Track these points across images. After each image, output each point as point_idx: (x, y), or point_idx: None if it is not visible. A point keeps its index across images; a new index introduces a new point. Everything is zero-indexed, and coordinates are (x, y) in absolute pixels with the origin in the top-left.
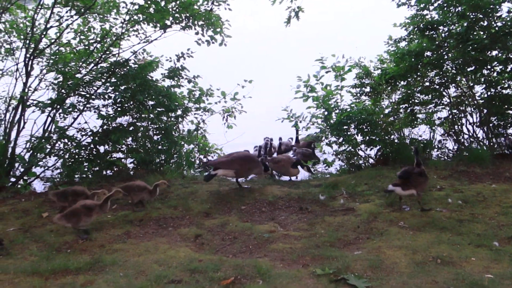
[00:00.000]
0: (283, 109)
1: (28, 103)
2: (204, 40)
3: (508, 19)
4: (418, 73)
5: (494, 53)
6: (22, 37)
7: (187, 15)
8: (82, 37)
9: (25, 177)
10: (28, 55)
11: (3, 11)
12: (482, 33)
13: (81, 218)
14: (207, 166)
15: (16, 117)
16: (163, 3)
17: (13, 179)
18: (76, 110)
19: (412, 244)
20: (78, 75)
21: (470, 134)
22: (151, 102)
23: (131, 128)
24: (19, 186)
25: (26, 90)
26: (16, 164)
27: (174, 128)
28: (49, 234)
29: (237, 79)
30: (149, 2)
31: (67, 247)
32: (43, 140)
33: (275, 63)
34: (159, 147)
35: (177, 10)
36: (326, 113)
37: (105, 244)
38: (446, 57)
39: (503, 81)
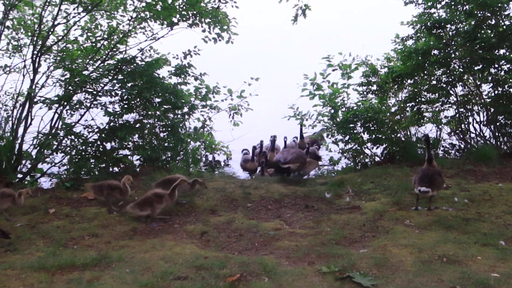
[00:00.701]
0: (290, 107)
1: (35, 100)
2: (211, 38)
3: None
4: (425, 72)
5: (502, 51)
6: (29, 34)
7: (194, 12)
8: (89, 34)
9: (32, 173)
10: (35, 52)
11: (11, 8)
12: (489, 31)
13: (154, 206)
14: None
15: (23, 113)
16: (170, 1)
17: (20, 175)
18: (83, 107)
19: (418, 242)
20: (85, 72)
21: (477, 133)
22: (157, 99)
23: (137, 125)
24: (26, 182)
25: (34, 86)
26: (23, 161)
27: (181, 125)
28: (56, 230)
29: (244, 77)
30: None
31: (73, 243)
32: (50, 137)
33: (281, 60)
34: (166, 144)
35: (184, 7)
36: (332, 111)
37: (111, 240)
38: (453, 55)
39: (511, 80)
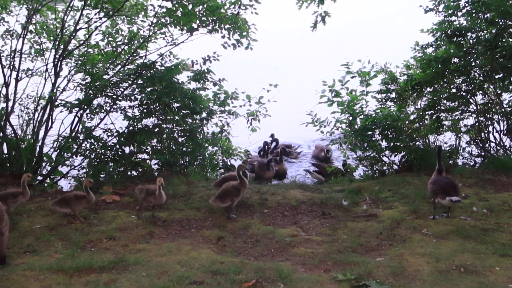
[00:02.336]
0: (308, 114)
1: (56, 103)
2: (230, 44)
3: None
4: (445, 80)
5: None
6: (51, 38)
7: (214, 18)
8: (110, 39)
9: (52, 176)
10: (57, 56)
11: (34, 12)
12: (510, 40)
13: (233, 198)
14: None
15: (44, 116)
16: (190, 7)
17: (40, 178)
18: (103, 110)
19: (435, 252)
20: (106, 77)
21: (497, 142)
22: (176, 104)
23: (156, 130)
24: (45, 184)
25: (55, 90)
26: (43, 163)
27: (199, 130)
28: (74, 232)
29: (262, 82)
30: (176, 5)
31: (91, 246)
32: (70, 140)
33: (299, 66)
34: (184, 149)
35: (204, 13)
36: (350, 118)
37: (128, 244)
38: (473, 64)
39: None
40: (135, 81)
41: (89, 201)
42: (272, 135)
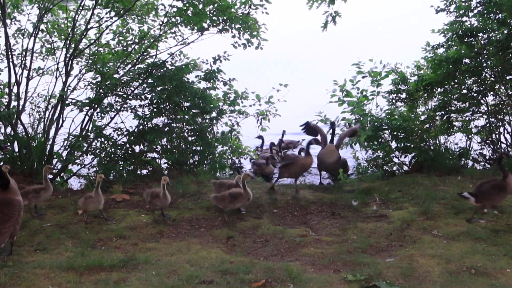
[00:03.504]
0: (317, 114)
1: (67, 102)
2: (240, 43)
3: None
4: (456, 80)
5: None
6: (63, 37)
7: (224, 18)
8: (120, 38)
9: (62, 174)
10: (68, 55)
11: (45, 11)
12: None
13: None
14: None
15: (55, 115)
16: (201, 6)
17: (50, 176)
18: (113, 109)
19: (445, 253)
20: (116, 76)
21: (508, 143)
22: (186, 104)
23: (166, 129)
24: (56, 183)
25: (66, 89)
26: (54, 161)
27: (209, 129)
28: (84, 231)
29: (272, 81)
30: (187, 5)
31: (101, 244)
32: (81, 139)
33: (309, 66)
34: (193, 148)
35: (215, 13)
36: (361, 118)
37: (138, 242)
38: (485, 64)
39: None
40: (145, 80)
41: (95, 200)
42: (283, 132)
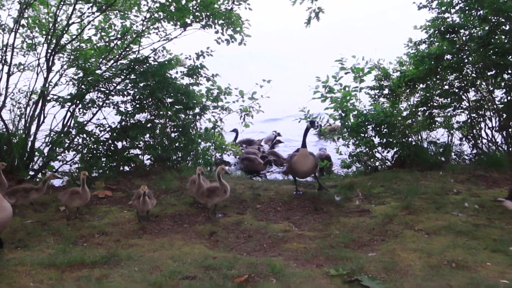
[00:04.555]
0: (301, 110)
1: (48, 98)
2: (223, 39)
3: None
4: (438, 76)
5: None
6: (44, 32)
7: (208, 13)
8: (103, 33)
9: (43, 171)
10: (49, 51)
11: (26, 6)
12: (503, 37)
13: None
14: None
15: (36, 111)
16: (183, 2)
17: (32, 173)
18: (95, 105)
19: (427, 247)
20: (98, 71)
21: (489, 139)
22: (169, 100)
23: (149, 125)
24: (37, 179)
25: (47, 85)
26: (35, 158)
27: (192, 125)
28: (66, 227)
29: (255, 78)
30: (170, 0)
31: (83, 241)
32: (62, 135)
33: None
34: (176, 144)
35: (198, 8)
36: (343, 114)
37: (120, 239)
38: (466, 60)
39: None
40: (128, 76)
41: (82, 197)
42: (274, 131)
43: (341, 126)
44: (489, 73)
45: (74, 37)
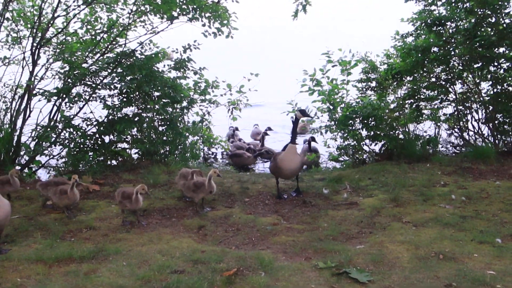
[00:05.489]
0: (288, 103)
1: (34, 92)
2: (211, 32)
3: None
4: (425, 69)
5: (502, 50)
6: (29, 26)
7: (194, 6)
8: (89, 27)
9: (30, 166)
10: (35, 44)
11: None
12: (489, 29)
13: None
14: None
15: (22, 105)
16: None
17: (18, 167)
18: (82, 99)
19: (414, 239)
20: (85, 65)
21: (476, 131)
22: (156, 93)
23: (136, 119)
24: (24, 174)
25: (33, 79)
26: (22, 153)
27: (179, 119)
28: (53, 222)
29: (243, 71)
30: None
31: (71, 236)
32: (49, 129)
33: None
34: (164, 138)
35: (184, 1)
36: (331, 107)
37: (108, 233)
38: (453, 53)
39: (510, 78)
40: (114, 70)
41: (70, 198)
42: (268, 128)
43: (328, 119)
44: (475, 66)
45: (59, 30)
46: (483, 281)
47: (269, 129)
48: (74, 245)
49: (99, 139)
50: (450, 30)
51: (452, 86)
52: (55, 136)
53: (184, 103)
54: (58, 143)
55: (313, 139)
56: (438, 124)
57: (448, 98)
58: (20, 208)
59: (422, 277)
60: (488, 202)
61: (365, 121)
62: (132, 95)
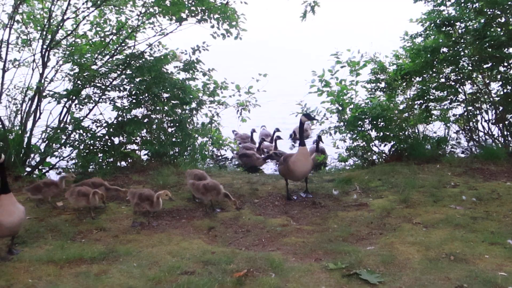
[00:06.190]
0: (297, 103)
1: (44, 94)
2: (219, 34)
3: None
4: (434, 69)
5: (511, 50)
6: (39, 28)
7: (203, 8)
8: (98, 29)
9: (40, 167)
10: (44, 46)
11: (20, 2)
12: (499, 29)
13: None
14: None
15: (32, 107)
16: None
17: (28, 169)
18: (91, 101)
19: (425, 240)
20: (94, 67)
21: (485, 131)
22: (166, 95)
23: (145, 120)
24: (34, 175)
25: (43, 80)
26: (32, 154)
27: (188, 120)
28: (64, 223)
29: (252, 73)
30: None
31: (81, 237)
32: (59, 131)
33: (289, 57)
34: (173, 139)
35: (193, 3)
36: (340, 108)
37: (119, 234)
38: (462, 53)
39: None
40: (124, 72)
41: (89, 202)
42: (276, 129)
43: (337, 120)
44: (485, 66)
45: (69, 32)
46: (495, 282)
47: (278, 130)
48: (84, 246)
49: (109, 141)
50: (460, 31)
51: (461, 87)
52: (65, 137)
53: (193, 105)
54: (68, 145)
55: (320, 138)
56: (448, 125)
57: (457, 98)
58: (31, 209)
59: (433, 279)
60: (499, 203)
61: (374, 122)
62: (141, 97)
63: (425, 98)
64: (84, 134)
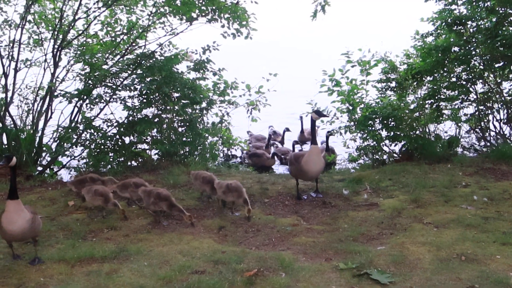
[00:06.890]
0: (308, 103)
1: (55, 94)
2: (230, 33)
3: None
4: (445, 69)
5: None
6: (50, 28)
7: (213, 7)
8: (109, 28)
9: (51, 166)
10: (56, 46)
11: (32, 2)
12: (511, 28)
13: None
14: None
15: (44, 107)
16: None
17: (40, 168)
18: (102, 101)
19: (436, 240)
20: (105, 67)
21: (497, 131)
22: (176, 94)
23: (156, 120)
24: (46, 175)
25: (54, 80)
26: (43, 153)
27: (199, 120)
28: (75, 222)
29: (262, 72)
30: None
31: (92, 236)
32: (70, 130)
33: (300, 56)
34: (184, 139)
35: (204, 2)
36: (350, 107)
37: (129, 233)
38: (473, 52)
39: None
40: (134, 71)
41: (105, 201)
42: (286, 129)
43: (348, 120)
44: (496, 65)
45: (80, 32)
46: (506, 283)
47: (287, 130)
48: (95, 245)
49: (120, 140)
50: (471, 30)
51: (473, 86)
52: (76, 137)
53: (204, 104)
54: (79, 144)
55: (330, 134)
56: (459, 124)
57: (469, 98)
58: (43, 208)
59: (444, 279)
60: (511, 203)
61: (385, 122)
62: (152, 96)
63: (436, 97)
64: (95, 133)
